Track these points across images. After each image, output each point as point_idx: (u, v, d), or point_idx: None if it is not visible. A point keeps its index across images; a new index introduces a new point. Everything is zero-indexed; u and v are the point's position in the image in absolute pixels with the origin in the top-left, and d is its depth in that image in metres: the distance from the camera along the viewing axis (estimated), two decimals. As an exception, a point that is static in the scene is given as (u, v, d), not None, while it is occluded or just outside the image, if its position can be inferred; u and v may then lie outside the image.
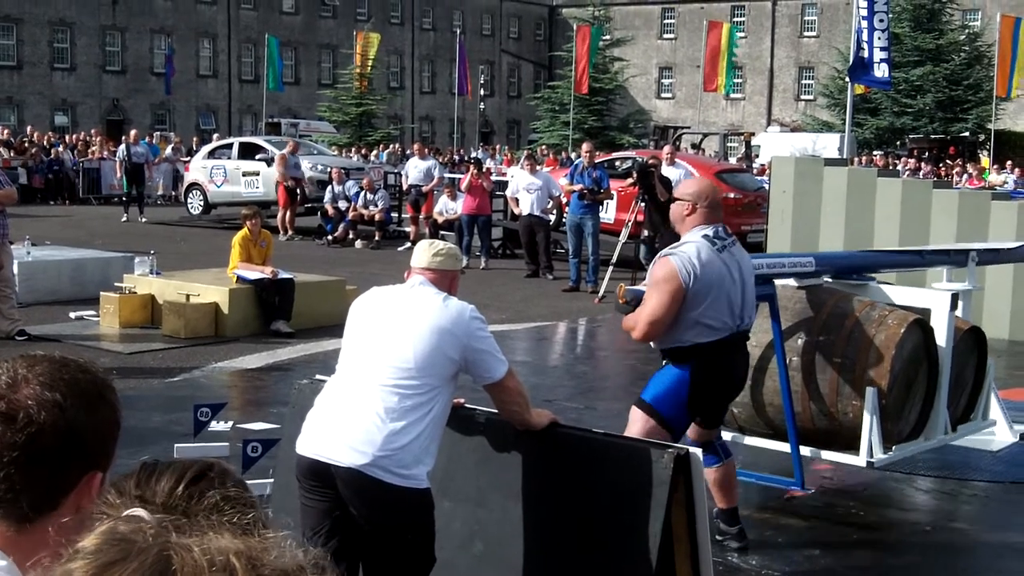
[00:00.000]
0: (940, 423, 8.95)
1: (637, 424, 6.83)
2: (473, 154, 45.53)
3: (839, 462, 8.72)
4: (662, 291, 6.74)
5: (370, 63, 58.15)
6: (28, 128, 44.74)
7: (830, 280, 9.19)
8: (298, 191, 27.93)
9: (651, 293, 6.85)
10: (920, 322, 8.56)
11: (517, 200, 22.10)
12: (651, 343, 7.09)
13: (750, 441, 8.96)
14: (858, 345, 8.32)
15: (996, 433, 10.49)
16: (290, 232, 27.28)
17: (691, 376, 6.85)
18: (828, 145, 47.80)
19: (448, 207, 24.84)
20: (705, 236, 6.89)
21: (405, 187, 27.83)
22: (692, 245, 6.88)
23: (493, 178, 27.90)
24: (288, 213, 27.65)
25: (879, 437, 8.22)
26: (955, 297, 8.89)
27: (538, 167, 24.57)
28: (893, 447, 8.51)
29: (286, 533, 1.50)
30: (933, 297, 9.03)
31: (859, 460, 8.32)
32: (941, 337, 8.73)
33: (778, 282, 8.58)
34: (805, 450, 8.44)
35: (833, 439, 8.56)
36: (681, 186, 7.49)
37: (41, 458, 1.88)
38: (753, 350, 8.35)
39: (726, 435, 8.73)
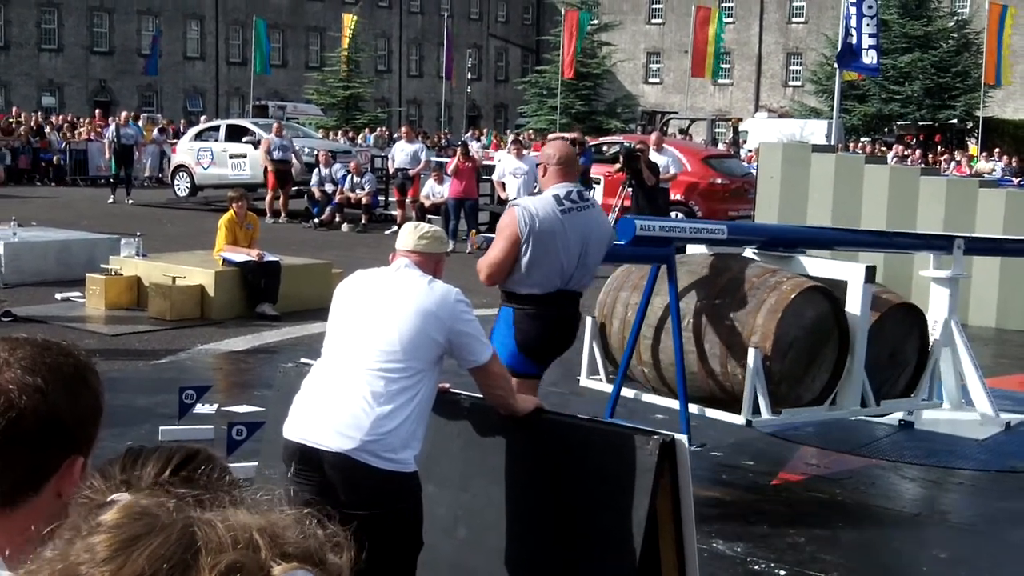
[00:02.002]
0: (853, 394, 9.03)
1: None
2: (464, 138, 45.50)
3: (724, 420, 8.85)
4: (503, 238, 7.25)
5: (346, 42, 58.11)
6: (14, 109, 44.48)
7: (755, 251, 9.42)
8: (290, 173, 27.78)
9: (495, 240, 7.38)
10: (823, 291, 8.74)
11: (504, 184, 22.07)
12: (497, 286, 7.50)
13: (648, 399, 9.31)
14: (748, 309, 8.54)
15: (982, 421, 10.54)
16: (283, 214, 27.19)
17: (514, 325, 7.29)
18: (816, 131, 47.82)
19: (435, 191, 24.80)
20: (555, 196, 7.32)
21: (392, 170, 27.77)
22: (537, 200, 7.44)
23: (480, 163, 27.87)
24: (282, 197, 27.54)
25: (766, 398, 8.42)
26: (870, 269, 8.99)
27: (525, 152, 24.53)
28: (783, 411, 8.68)
29: (307, 510, 1.49)
30: (848, 269, 9.15)
31: (739, 419, 8.56)
32: (856, 308, 8.87)
33: (697, 248, 9.14)
34: (693, 407, 8.66)
35: (728, 400, 8.74)
36: (541, 149, 7.87)
37: (22, 443, 1.86)
38: (658, 311, 8.81)
39: (629, 392, 9.23)
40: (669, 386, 9.02)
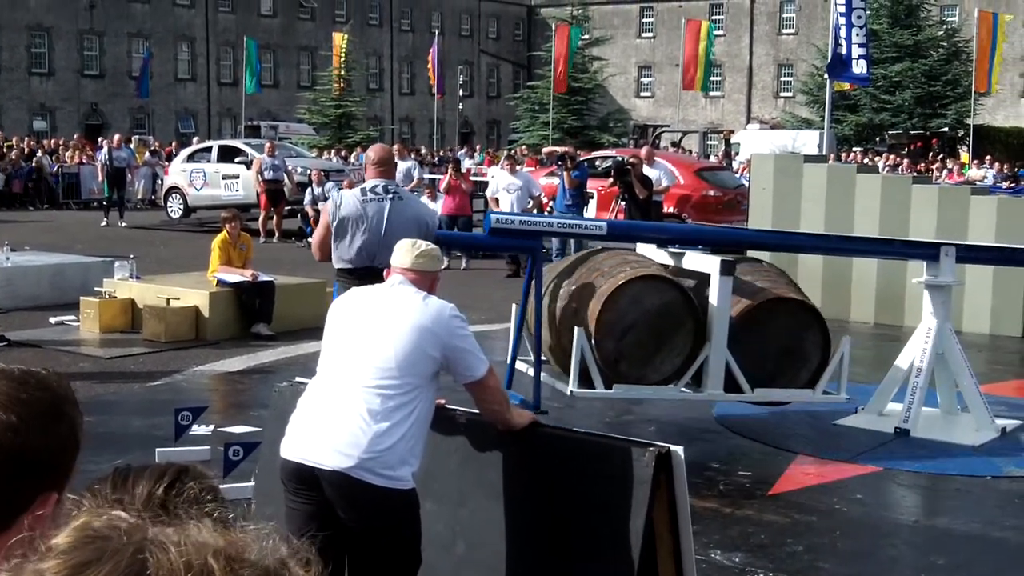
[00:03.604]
0: (716, 378, 9.68)
1: None
2: (454, 154, 45.51)
3: (559, 389, 9.83)
4: (321, 223, 9.37)
5: (340, 60, 58.23)
6: (-1, 135, 44.50)
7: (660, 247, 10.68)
8: (283, 192, 27.77)
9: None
10: (669, 281, 9.59)
11: (497, 200, 22.10)
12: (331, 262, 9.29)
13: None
14: (589, 293, 9.61)
15: (978, 428, 10.54)
16: (276, 234, 27.19)
17: (336, 294, 8.49)
18: (808, 142, 47.84)
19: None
20: (361, 188, 9.27)
21: (385, 188, 27.72)
22: (347, 191, 9.60)
23: (474, 178, 27.87)
24: (275, 216, 27.55)
25: (596, 372, 9.43)
26: (726, 264, 9.62)
27: (518, 167, 24.55)
28: (616, 386, 9.59)
29: (270, 525, 1.46)
30: (709, 262, 9.81)
31: (566, 389, 9.61)
32: (714, 299, 9.61)
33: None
34: (545, 378, 9.81)
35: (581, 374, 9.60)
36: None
37: None
38: (544, 295, 9.98)
39: (522, 366, 10.07)
40: (547, 358, 10.11)
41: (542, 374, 9.81)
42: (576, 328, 9.37)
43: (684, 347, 9.62)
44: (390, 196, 9.12)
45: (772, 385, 9.97)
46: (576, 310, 9.63)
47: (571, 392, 9.56)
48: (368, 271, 8.73)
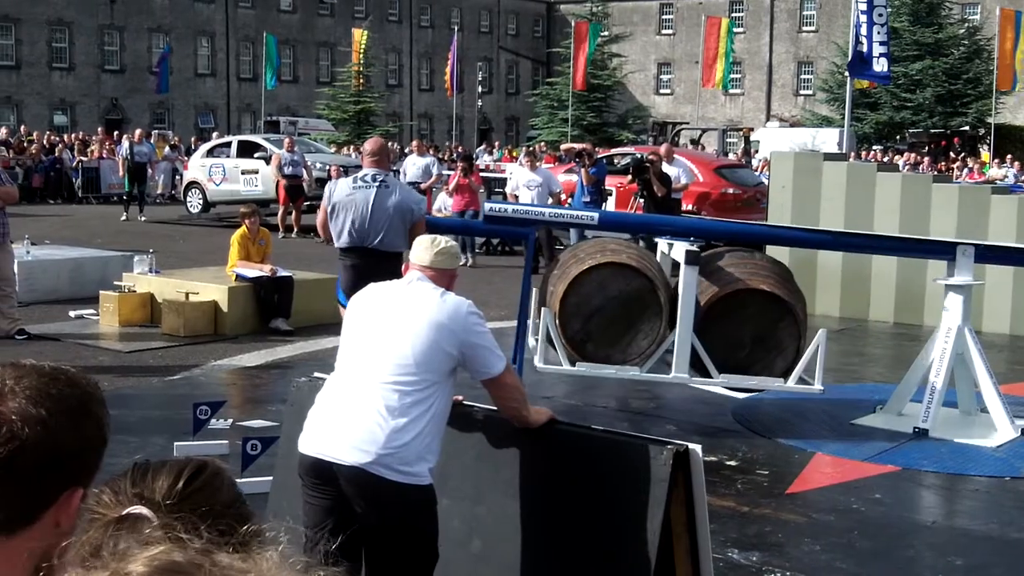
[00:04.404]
0: (681, 362, 10.11)
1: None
2: (461, 150, 45.53)
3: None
4: (321, 206, 10.48)
5: (359, 56, 58.26)
6: (22, 128, 44.59)
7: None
8: (302, 187, 27.79)
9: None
10: (634, 268, 10.06)
11: (517, 197, 22.09)
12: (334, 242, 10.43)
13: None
14: (560, 277, 10.32)
15: (997, 428, 10.49)
16: (295, 229, 27.19)
17: (340, 269, 10.47)
18: (827, 140, 47.75)
19: (446, 204, 24.83)
20: (354, 176, 10.42)
21: (404, 184, 27.73)
22: (341, 180, 10.72)
23: (493, 175, 27.82)
24: (294, 212, 27.57)
25: (563, 350, 10.15)
26: (691, 253, 10.06)
27: (538, 164, 24.54)
28: (578, 364, 10.24)
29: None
30: (680, 252, 10.25)
31: (535, 363, 10.30)
32: (681, 286, 10.08)
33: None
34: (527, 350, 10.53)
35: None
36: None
37: (21, 474, 1.83)
38: (540, 277, 11.09)
39: (533, 342, 10.65)
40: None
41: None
42: (543, 308, 10.24)
43: (651, 331, 10.12)
44: (377, 183, 10.18)
45: (747, 373, 10.24)
46: (551, 292, 10.35)
47: (537, 367, 10.23)
48: (361, 251, 10.13)
